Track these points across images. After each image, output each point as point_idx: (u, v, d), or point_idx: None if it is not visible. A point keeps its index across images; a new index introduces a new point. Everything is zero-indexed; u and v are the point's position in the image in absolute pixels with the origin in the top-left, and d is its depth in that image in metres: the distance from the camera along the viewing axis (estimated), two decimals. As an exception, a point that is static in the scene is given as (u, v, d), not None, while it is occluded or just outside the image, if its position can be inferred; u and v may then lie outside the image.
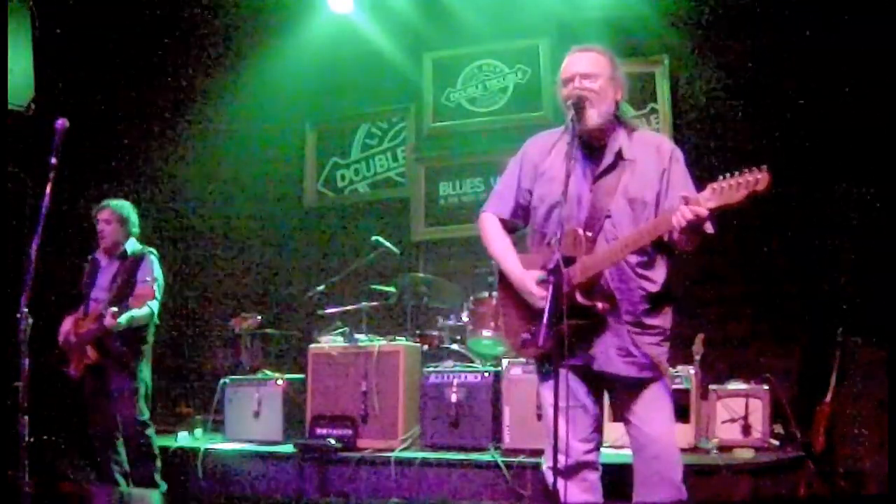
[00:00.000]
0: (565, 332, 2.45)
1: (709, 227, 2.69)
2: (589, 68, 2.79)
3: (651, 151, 2.81)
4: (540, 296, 2.66)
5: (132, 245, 4.67)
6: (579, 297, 2.66)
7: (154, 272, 4.56)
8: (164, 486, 4.58)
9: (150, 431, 4.57)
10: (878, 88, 4.72)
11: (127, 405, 4.46)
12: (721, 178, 2.46)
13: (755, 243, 5.27)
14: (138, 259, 4.60)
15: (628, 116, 2.90)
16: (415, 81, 6.63)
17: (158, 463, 4.60)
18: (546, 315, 2.45)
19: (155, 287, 4.46)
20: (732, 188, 2.42)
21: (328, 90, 6.83)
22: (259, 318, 5.91)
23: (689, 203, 2.48)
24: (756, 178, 2.39)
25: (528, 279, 2.76)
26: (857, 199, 4.94)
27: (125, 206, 4.70)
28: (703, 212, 2.47)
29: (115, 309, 4.24)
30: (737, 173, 2.43)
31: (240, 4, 6.62)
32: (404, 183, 6.68)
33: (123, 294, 4.44)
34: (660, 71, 5.84)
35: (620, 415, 2.89)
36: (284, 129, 6.89)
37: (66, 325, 4.61)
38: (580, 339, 2.70)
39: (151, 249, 4.69)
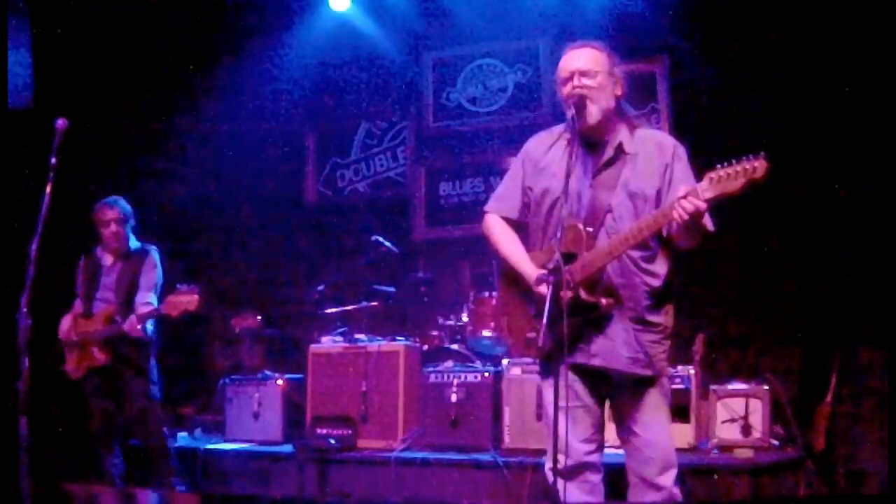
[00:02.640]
0: (565, 332, 2.44)
1: (709, 225, 2.68)
2: (587, 65, 2.78)
3: (653, 147, 2.80)
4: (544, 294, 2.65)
5: (133, 242, 4.67)
6: (582, 294, 2.65)
7: (157, 267, 4.61)
8: (181, 487, 4.56)
9: (165, 431, 4.60)
10: (879, 88, 4.72)
11: (143, 405, 4.46)
12: (718, 166, 2.45)
13: (755, 244, 5.27)
14: (142, 255, 4.61)
15: (630, 113, 2.89)
16: (415, 81, 6.63)
17: (174, 463, 4.58)
18: (546, 315, 2.44)
19: (157, 281, 4.56)
20: (730, 177, 2.41)
21: (328, 90, 6.83)
22: (259, 318, 5.91)
23: (688, 195, 2.48)
24: (754, 166, 2.38)
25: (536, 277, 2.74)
26: (857, 199, 4.94)
27: (126, 204, 4.67)
28: (702, 204, 2.46)
29: (141, 313, 4.34)
30: (734, 161, 2.42)
31: (240, 4, 6.61)
32: (404, 183, 6.68)
33: (131, 293, 4.49)
34: (660, 71, 5.84)
35: (616, 416, 2.88)
36: (284, 129, 6.89)
37: (66, 323, 4.60)
38: (583, 336, 2.70)
39: (151, 245, 4.69)
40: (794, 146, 5.09)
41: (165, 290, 4.58)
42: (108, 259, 4.65)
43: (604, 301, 2.69)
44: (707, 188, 2.46)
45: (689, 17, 5.63)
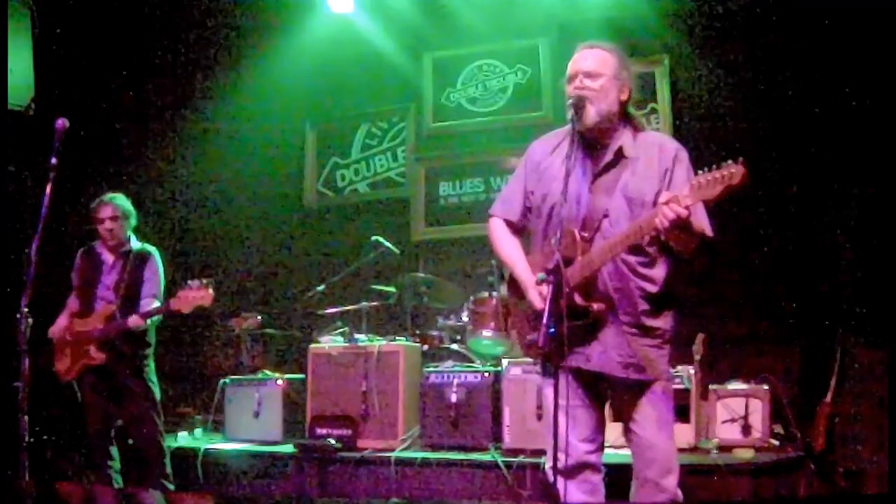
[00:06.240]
0: (565, 332, 2.44)
1: (707, 230, 2.68)
2: (593, 67, 2.77)
3: (654, 151, 2.79)
4: (539, 297, 2.66)
5: (134, 242, 4.64)
6: (576, 298, 2.66)
7: (159, 271, 4.60)
8: (171, 487, 4.54)
9: (161, 433, 4.55)
10: (878, 88, 4.72)
11: (143, 407, 4.44)
12: (699, 173, 2.46)
13: (755, 243, 5.27)
14: (144, 257, 4.59)
15: (636, 116, 2.88)
16: (415, 81, 6.63)
17: (168, 463, 4.55)
18: (545, 316, 2.44)
19: (160, 286, 4.55)
20: (709, 184, 2.42)
21: (328, 90, 6.83)
22: (259, 318, 5.91)
23: (670, 202, 2.48)
24: (731, 173, 2.38)
25: (531, 283, 2.76)
26: (857, 199, 4.94)
27: (126, 201, 4.64)
28: (683, 211, 2.46)
29: (146, 310, 4.34)
30: (714, 168, 2.42)
31: (240, 4, 6.62)
32: (404, 183, 6.67)
33: (132, 293, 4.47)
34: (660, 71, 5.84)
35: (619, 417, 2.90)
36: (284, 129, 6.89)
37: (60, 322, 4.54)
38: (579, 340, 2.70)
39: (152, 247, 4.68)
40: (793, 146, 5.09)
41: (169, 289, 4.59)
42: (108, 257, 4.60)
43: (595, 306, 2.70)
44: (688, 195, 2.46)
45: (689, 17, 5.63)
